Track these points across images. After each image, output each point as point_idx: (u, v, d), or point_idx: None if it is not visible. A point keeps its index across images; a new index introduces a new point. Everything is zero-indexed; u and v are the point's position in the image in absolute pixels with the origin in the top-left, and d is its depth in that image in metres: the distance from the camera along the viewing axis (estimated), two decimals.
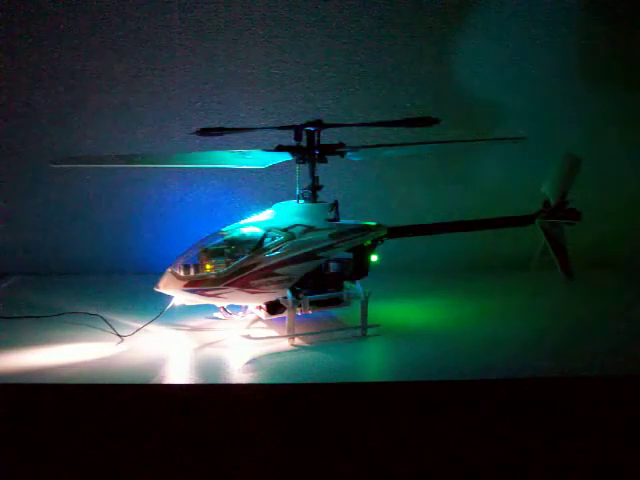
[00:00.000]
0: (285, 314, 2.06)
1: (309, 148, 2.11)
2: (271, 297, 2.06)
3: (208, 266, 2.02)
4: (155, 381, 1.77)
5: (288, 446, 1.72)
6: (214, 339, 2.11)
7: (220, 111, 2.88)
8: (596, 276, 2.71)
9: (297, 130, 2.09)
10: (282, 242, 2.05)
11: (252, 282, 2.01)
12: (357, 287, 2.12)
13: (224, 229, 2.10)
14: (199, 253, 2.03)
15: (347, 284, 2.15)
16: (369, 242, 2.18)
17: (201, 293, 2.01)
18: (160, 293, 2.05)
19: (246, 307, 2.23)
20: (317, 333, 2.13)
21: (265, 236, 2.05)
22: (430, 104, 2.89)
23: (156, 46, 2.84)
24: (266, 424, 1.73)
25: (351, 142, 2.17)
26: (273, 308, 2.09)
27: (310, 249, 2.06)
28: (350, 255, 2.17)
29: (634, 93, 2.95)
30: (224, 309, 2.24)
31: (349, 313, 2.19)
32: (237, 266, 2.00)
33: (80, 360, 1.91)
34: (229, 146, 2.67)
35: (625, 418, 1.76)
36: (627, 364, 1.91)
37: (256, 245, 2.04)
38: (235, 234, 2.07)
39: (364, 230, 2.16)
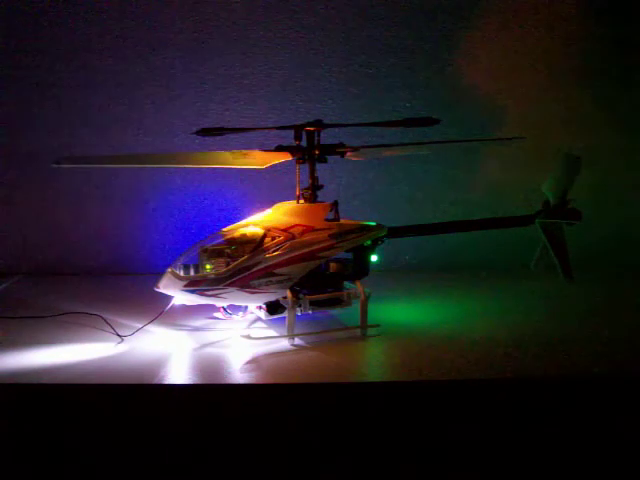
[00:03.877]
0: (285, 314, 2.06)
1: (309, 148, 2.12)
2: (271, 297, 2.06)
3: (208, 266, 2.03)
4: (155, 381, 1.77)
5: (288, 446, 1.72)
6: (214, 339, 2.11)
7: (220, 111, 2.88)
8: (596, 276, 2.71)
9: (297, 130, 2.09)
10: (282, 242, 2.05)
11: (252, 282, 2.01)
12: (357, 287, 2.12)
13: (224, 229, 2.10)
14: (199, 253, 2.04)
15: (347, 284, 2.15)
16: (369, 242, 2.18)
17: (201, 293, 2.01)
18: (160, 293, 2.05)
19: (246, 307, 2.23)
20: (317, 333, 2.13)
21: (265, 236, 2.06)
22: (430, 104, 2.89)
23: (156, 46, 2.84)
24: (266, 424, 1.73)
25: (351, 142, 2.17)
26: (273, 308, 2.09)
27: (310, 249, 2.06)
28: (350, 255, 2.17)
29: (633, 92, 2.96)
30: (224, 309, 2.24)
31: (349, 313, 2.19)
32: (237, 266, 2.00)
33: (80, 360, 1.91)
34: (229, 146, 2.67)
35: (624, 418, 1.76)
36: (627, 364, 1.91)
37: (256, 245, 2.04)
38: (235, 234, 2.07)
39: (364, 230, 2.16)
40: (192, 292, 2.01)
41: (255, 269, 2.01)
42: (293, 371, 1.85)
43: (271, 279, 2.03)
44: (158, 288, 2.04)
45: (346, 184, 2.88)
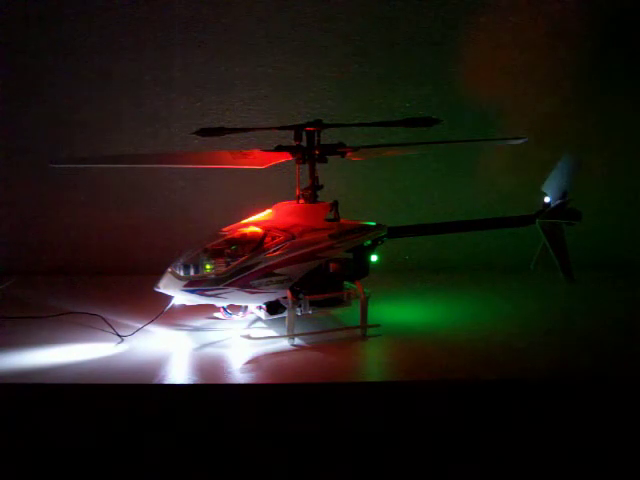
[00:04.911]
0: (285, 314, 2.06)
1: (309, 148, 2.12)
2: (271, 297, 2.06)
3: (208, 266, 2.02)
4: (155, 381, 1.77)
5: (288, 446, 1.72)
6: (214, 339, 2.11)
7: (220, 111, 2.88)
8: (596, 276, 2.71)
9: (297, 130, 2.09)
10: (282, 242, 2.05)
11: (252, 282, 2.01)
12: (357, 287, 2.12)
13: (224, 229, 2.10)
14: (199, 253, 2.03)
15: (347, 284, 2.15)
16: (369, 242, 2.18)
17: (201, 293, 2.01)
18: (160, 293, 2.05)
19: (246, 307, 2.23)
20: (317, 333, 2.13)
21: (265, 236, 2.05)
22: (430, 104, 2.89)
23: (156, 46, 2.84)
24: (266, 424, 1.73)
25: (351, 142, 2.17)
26: (273, 308, 2.09)
27: (310, 249, 2.06)
28: (350, 255, 2.17)
29: (635, 93, 2.96)
30: (224, 309, 2.24)
31: (349, 313, 2.19)
32: (237, 266, 2.00)
33: (80, 360, 1.91)
34: (229, 146, 2.67)
35: (624, 418, 1.76)
36: (626, 364, 1.91)
37: (256, 245, 2.04)
38: (235, 234, 2.07)
39: (364, 230, 2.17)
40: (192, 292, 2.01)
41: (255, 269, 2.01)
42: (293, 371, 1.85)
43: (271, 279, 2.03)
44: (158, 288, 2.03)
45: (346, 184, 2.87)
